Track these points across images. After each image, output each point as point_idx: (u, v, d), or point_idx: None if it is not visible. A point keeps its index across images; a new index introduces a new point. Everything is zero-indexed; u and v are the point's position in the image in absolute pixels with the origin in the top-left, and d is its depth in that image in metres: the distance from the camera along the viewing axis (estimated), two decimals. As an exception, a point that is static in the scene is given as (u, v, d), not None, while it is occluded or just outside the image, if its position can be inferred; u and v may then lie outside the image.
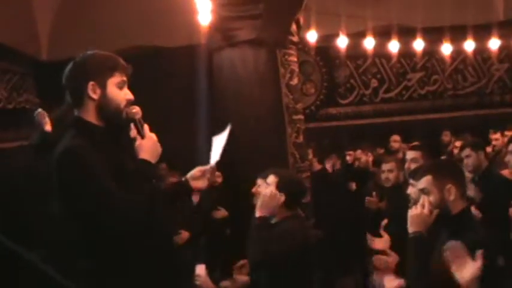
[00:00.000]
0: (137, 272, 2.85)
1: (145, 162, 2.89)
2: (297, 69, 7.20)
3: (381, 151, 8.85)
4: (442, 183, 3.37)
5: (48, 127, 5.43)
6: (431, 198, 3.36)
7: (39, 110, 5.80)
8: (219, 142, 3.44)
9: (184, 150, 7.31)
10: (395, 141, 9.18)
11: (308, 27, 9.38)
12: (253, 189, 5.18)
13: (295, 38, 7.28)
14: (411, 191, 4.77)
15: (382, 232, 4.46)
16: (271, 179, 4.37)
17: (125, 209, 2.74)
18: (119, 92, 2.94)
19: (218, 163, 3.39)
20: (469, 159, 5.79)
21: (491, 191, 5.39)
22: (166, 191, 3.31)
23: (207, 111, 7.38)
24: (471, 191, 5.07)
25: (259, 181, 5.04)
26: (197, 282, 4.42)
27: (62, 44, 9.10)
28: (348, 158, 8.94)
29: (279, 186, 4.31)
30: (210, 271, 4.54)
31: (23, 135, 8.36)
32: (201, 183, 3.24)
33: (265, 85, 6.75)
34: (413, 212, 3.35)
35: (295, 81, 7.10)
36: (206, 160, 6.98)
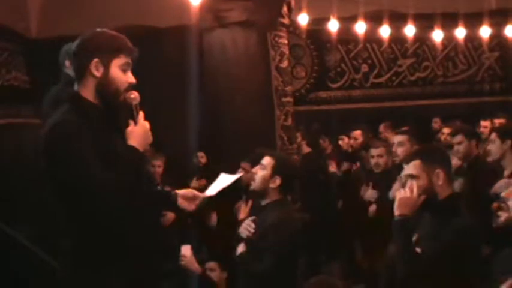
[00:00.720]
0: (121, 252, 2.85)
1: (132, 148, 2.87)
2: (287, 52, 7.20)
3: (357, 133, 8.81)
4: (431, 168, 3.39)
5: None
6: (420, 182, 3.37)
7: None
8: (223, 181, 3.41)
9: (172, 131, 7.31)
10: (380, 132, 9.08)
11: (299, 10, 9.34)
12: (241, 173, 5.19)
13: (286, 21, 7.28)
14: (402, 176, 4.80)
15: None
16: (267, 160, 4.34)
17: (106, 188, 2.72)
18: (121, 74, 2.91)
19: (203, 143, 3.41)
20: (461, 145, 5.72)
21: (478, 179, 5.38)
22: (152, 195, 3.32)
23: (197, 92, 7.36)
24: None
25: (243, 164, 5.05)
26: (182, 263, 4.44)
27: (52, 22, 9.04)
28: (340, 142, 8.92)
29: (275, 169, 4.30)
30: (195, 252, 4.56)
31: (12, 113, 8.33)
32: (188, 205, 3.21)
33: (255, 67, 6.77)
34: (401, 194, 3.36)
35: (285, 63, 7.10)
36: (193, 142, 6.95)
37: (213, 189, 3.34)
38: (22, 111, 8.57)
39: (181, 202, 3.19)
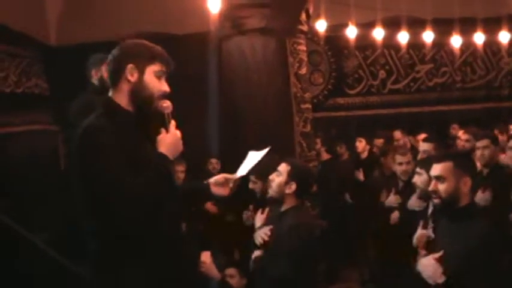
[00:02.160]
0: (148, 256, 2.86)
1: (162, 155, 2.88)
2: (305, 59, 7.21)
3: (380, 141, 8.76)
4: (460, 174, 3.35)
5: None
6: (446, 185, 3.35)
7: None
8: (253, 158, 3.39)
9: (191, 138, 7.32)
10: (397, 139, 9.00)
11: (317, 17, 9.35)
12: (250, 186, 5.23)
13: (304, 27, 7.29)
14: (418, 180, 4.77)
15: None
16: (283, 167, 4.38)
17: (134, 193, 2.73)
18: (156, 80, 2.93)
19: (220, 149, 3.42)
20: (486, 150, 5.63)
21: (499, 185, 5.32)
22: (186, 193, 3.33)
23: (217, 99, 7.39)
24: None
25: (251, 177, 5.08)
26: (202, 269, 4.44)
27: (71, 30, 9.10)
28: (357, 143, 8.86)
29: (291, 175, 4.33)
30: (214, 258, 4.57)
31: (32, 120, 8.40)
32: (223, 191, 3.24)
33: (274, 74, 6.77)
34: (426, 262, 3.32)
35: (303, 70, 7.11)
36: (214, 148, 6.97)
37: (243, 169, 3.31)
38: (41, 118, 8.64)
39: (214, 189, 3.23)
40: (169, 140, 2.92)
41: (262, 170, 4.52)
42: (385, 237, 6.24)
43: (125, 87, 2.92)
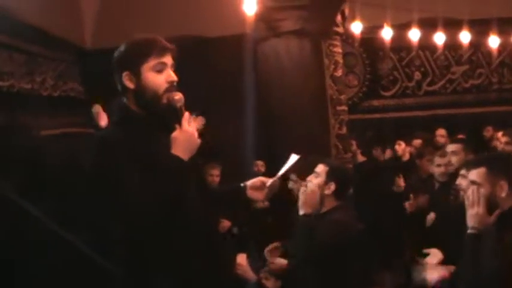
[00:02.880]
0: (175, 261, 2.78)
1: (174, 158, 2.72)
2: (341, 61, 7.18)
3: (418, 141, 8.68)
4: (495, 179, 3.28)
5: (103, 122, 5.41)
6: (482, 191, 3.29)
7: (96, 105, 5.79)
8: (292, 160, 3.25)
9: (227, 141, 7.35)
10: (441, 135, 9.02)
11: (353, 19, 9.31)
12: (290, 185, 5.20)
13: (340, 29, 7.26)
14: (461, 182, 4.71)
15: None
16: (321, 168, 4.36)
17: (145, 203, 2.63)
18: (156, 76, 2.78)
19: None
20: None
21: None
22: (221, 196, 3.26)
23: (252, 102, 7.39)
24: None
25: (292, 176, 5.05)
26: (238, 272, 4.44)
27: (107, 33, 9.16)
28: (396, 147, 8.78)
29: (329, 175, 4.31)
30: (251, 260, 4.56)
31: (67, 123, 8.49)
32: (259, 195, 3.11)
33: (310, 76, 6.76)
34: (470, 211, 3.26)
35: (339, 72, 7.08)
36: (249, 151, 6.95)
37: (282, 170, 3.17)
38: (77, 121, 8.72)
39: (251, 193, 3.10)
40: (182, 137, 2.76)
41: (303, 170, 4.50)
42: (421, 240, 6.20)
43: (129, 94, 2.81)
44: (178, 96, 2.77)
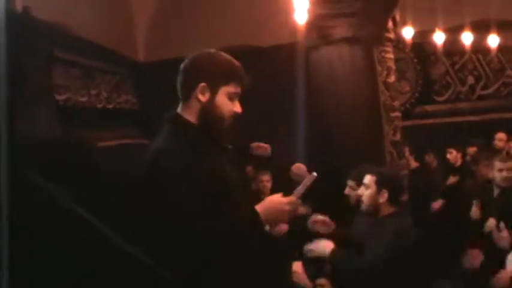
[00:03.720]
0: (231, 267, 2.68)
1: (254, 212, 2.66)
2: (393, 66, 7.14)
3: (473, 149, 8.58)
4: None
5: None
6: None
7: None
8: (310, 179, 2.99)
9: (280, 147, 7.35)
10: (500, 139, 8.88)
11: (404, 24, 9.26)
12: (346, 191, 5.19)
13: (391, 35, 7.22)
14: None
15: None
16: (368, 178, 4.37)
17: (205, 237, 2.57)
18: (228, 102, 2.78)
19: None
20: None
21: None
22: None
23: (305, 110, 7.39)
24: None
25: (350, 182, 5.04)
26: (294, 279, 4.45)
27: (159, 45, 9.30)
28: (448, 155, 8.70)
29: (379, 183, 4.31)
30: (306, 268, 4.57)
31: (122, 134, 8.62)
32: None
33: (362, 82, 6.74)
34: None
35: (392, 78, 7.04)
36: (301, 159, 6.96)
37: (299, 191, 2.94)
38: (132, 133, 8.85)
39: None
40: (271, 204, 2.73)
41: (362, 176, 4.50)
42: (480, 247, 6.10)
43: (194, 105, 2.78)
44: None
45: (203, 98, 2.76)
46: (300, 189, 2.88)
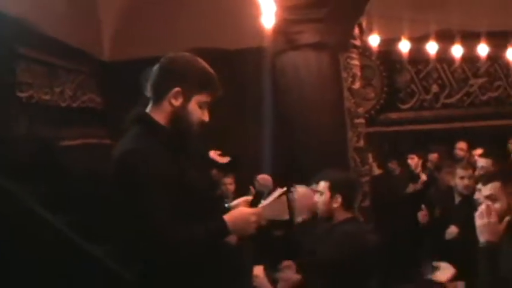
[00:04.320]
0: (194, 272, 2.70)
1: (222, 223, 2.70)
2: (359, 73, 7.20)
3: (435, 155, 8.67)
4: (510, 191, 3.31)
5: None
6: (498, 205, 3.30)
7: None
8: (277, 193, 3.06)
9: (244, 152, 7.34)
10: (461, 148, 9.00)
11: (370, 31, 9.33)
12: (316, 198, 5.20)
13: (357, 42, 7.28)
14: (479, 196, 4.69)
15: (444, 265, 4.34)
16: (322, 185, 4.39)
17: (172, 243, 2.58)
18: (198, 110, 2.78)
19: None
20: None
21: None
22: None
23: (270, 114, 7.40)
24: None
25: (313, 187, 5.06)
26: (255, 283, 4.44)
27: (125, 45, 9.23)
28: (409, 161, 8.78)
29: (333, 189, 4.33)
30: (267, 272, 4.56)
31: (86, 134, 8.54)
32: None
33: (328, 88, 6.77)
34: (480, 221, 3.24)
35: (357, 85, 7.09)
36: (267, 163, 6.94)
37: (265, 202, 3.00)
38: (95, 132, 8.77)
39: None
40: (240, 216, 2.76)
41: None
42: (440, 253, 6.16)
43: (165, 108, 2.76)
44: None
45: (176, 102, 2.74)
46: (267, 201, 2.91)
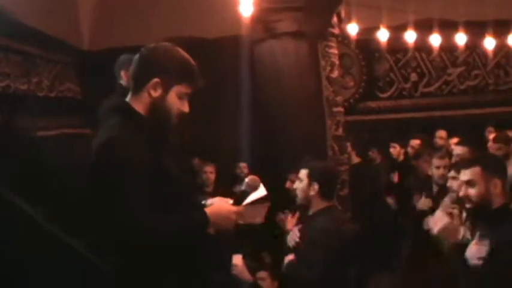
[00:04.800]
0: (167, 267, 2.71)
1: (203, 215, 2.71)
2: (337, 62, 7.20)
3: (416, 141, 8.69)
4: (490, 177, 3.35)
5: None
6: (476, 190, 3.34)
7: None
8: (261, 192, 3.08)
9: (223, 140, 7.36)
10: (441, 137, 9.04)
11: (349, 20, 9.34)
12: (287, 185, 5.22)
13: (336, 31, 7.28)
14: (453, 184, 4.72)
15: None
16: (303, 172, 4.40)
17: (146, 228, 2.58)
18: (177, 101, 2.76)
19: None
20: None
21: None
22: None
23: (249, 102, 7.40)
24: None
25: (292, 176, 5.08)
26: (234, 272, 4.45)
27: (103, 34, 9.19)
28: (391, 150, 8.79)
29: (311, 177, 4.34)
30: (246, 261, 4.57)
31: (64, 123, 8.48)
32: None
33: (306, 77, 6.77)
34: (445, 222, 3.32)
35: (335, 73, 7.10)
36: (246, 151, 6.94)
37: (247, 201, 3.02)
38: (74, 122, 8.72)
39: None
40: (219, 209, 2.79)
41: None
42: (418, 241, 6.19)
43: (145, 98, 2.74)
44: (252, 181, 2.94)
45: (155, 93, 2.73)
46: (248, 202, 2.93)
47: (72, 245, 4.95)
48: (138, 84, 2.76)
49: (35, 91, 7.89)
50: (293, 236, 4.35)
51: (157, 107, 2.73)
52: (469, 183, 3.38)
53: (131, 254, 2.66)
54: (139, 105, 2.75)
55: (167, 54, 2.77)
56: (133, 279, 2.69)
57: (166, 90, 2.73)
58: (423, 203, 5.94)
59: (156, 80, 2.71)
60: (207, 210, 2.74)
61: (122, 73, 5.10)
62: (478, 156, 3.96)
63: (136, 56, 2.81)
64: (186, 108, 2.79)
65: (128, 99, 2.81)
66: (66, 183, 7.36)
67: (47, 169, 7.31)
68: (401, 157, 8.68)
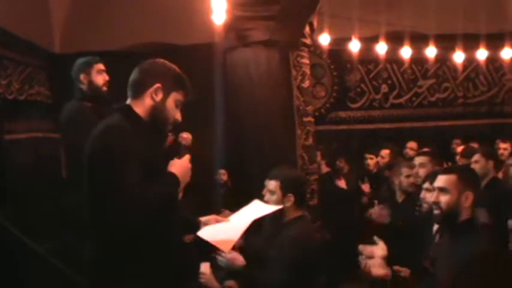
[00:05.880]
0: (142, 265, 2.89)
1: (172, 174, 3.03)
2: (308, 72, 7.21)
3: (386, 151, 8.73)
4: (463, 188, 3.39)
5: None
6: (448, 197, 3.38)
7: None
8: (256, 209, 3.63)
9: (194, 149, 7.32)
10: (411, 148, 9.11)
11: (321, 30, 9.38)
12: (264, 192, 5.21)
13: (308, 41, 7.29)
14: (426, 195, 4.75)
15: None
16: (273, 184, 4.39)
17: (136, 200, 2.79)
18: (174, 108, 3.08)
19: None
20: (477, 165, 5.74)
21: (495, 201, 5.32)
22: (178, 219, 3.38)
23: (221, 110, 7.39)
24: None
25: (267, 182, 5.08)
26: (202, 280, 4.44)
27: (75, 38, 9.12)
28: (368, 161, 8.77)
29: (284, 188, 4.34)
30: (214, 270, 4.56)
31: (34, 127, 8.39)
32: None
33: (277, 86, 6.77)
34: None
35: (306, 83, 7.11)
36: (216, 160, 6.94)
37: (242, 218, 3.54)
38: (43, 126, 8.64)
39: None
40: (180, 166, 3.08)
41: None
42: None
43: (146, 103, 3.03)
44: (186, 135, 3.19)
45: (156, 97, 3.03)
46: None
47: (35, 249, 4.91)
48: (139, 90, 3.06)
49: (4, 94, 7.79)
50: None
51: (158, 111, 3.04)
52: (442, 190, 3.42)
53: (111, 245, 2.86)
54: (140, 108, 3.04)
55: (165, 66, 3.13)
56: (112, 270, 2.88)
57: (166, 95, 3.05)
58: (374, 212, 6.02)
59: (157, 85, 3.03)
60: (170, 169, 3.07)
61: (82, 77, 5.05)
62: (457, 166, 4.03)
63: (136, 69, 3.11)
64: (179, 116, 3.12)
65: (128, 102, 3.10)
66: (33, 186, 7.31)
67: (14, 171, 7.24)
68: (376, 169, 8.71)
